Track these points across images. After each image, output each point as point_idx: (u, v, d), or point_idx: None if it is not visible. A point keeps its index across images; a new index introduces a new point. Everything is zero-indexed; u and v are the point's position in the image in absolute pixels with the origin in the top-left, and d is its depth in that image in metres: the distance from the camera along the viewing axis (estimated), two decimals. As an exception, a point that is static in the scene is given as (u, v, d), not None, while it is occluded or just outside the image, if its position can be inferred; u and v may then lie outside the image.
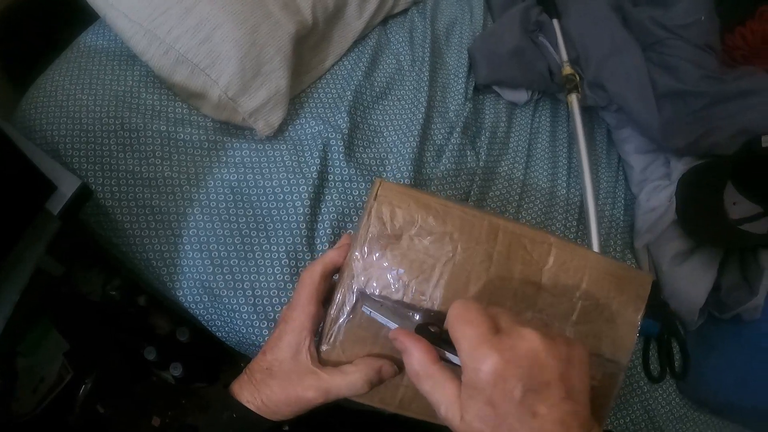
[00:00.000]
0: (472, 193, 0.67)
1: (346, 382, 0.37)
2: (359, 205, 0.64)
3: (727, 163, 0.75)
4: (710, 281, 0.75)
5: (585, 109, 0.84)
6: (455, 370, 0.32)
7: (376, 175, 0.66)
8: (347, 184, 0.64)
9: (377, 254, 0.38)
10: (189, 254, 0.61)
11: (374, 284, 0.38)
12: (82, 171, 0.62)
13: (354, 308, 0.39)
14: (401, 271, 0.38)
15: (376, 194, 0.38)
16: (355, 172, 0.65)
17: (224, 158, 0.65)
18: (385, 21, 0.79)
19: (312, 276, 0.39)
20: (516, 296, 0.40)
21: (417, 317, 0.39)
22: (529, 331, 0.30)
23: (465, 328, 0.31)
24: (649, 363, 0.72)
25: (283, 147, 0.66)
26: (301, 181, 0.64)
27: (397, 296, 0.38)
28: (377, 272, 0.38)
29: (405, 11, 0.81)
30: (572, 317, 0.41)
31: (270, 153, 0.65)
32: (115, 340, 0.86)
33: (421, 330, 0.36)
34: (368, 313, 0.38)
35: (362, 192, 0.64)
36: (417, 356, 0.32)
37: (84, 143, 0.62)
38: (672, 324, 0.74)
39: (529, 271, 0.40)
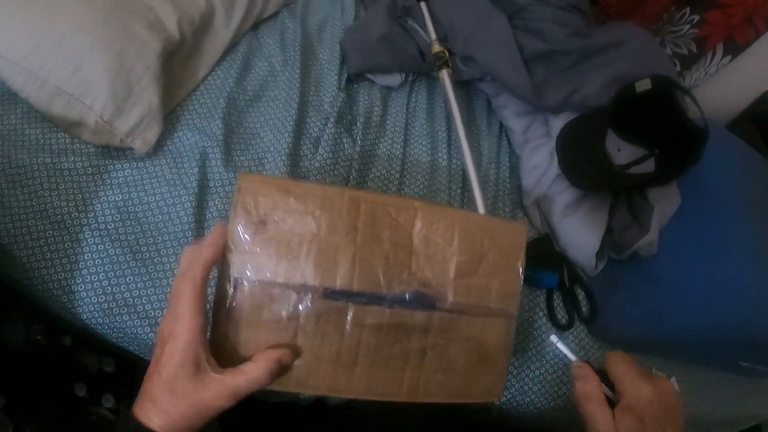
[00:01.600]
0: (351, 177, 0.69)
1: (250, 379, 0.38)
2: None
3: (604, 112, 0.79)
4: (602, 226, 0.77)
5: (462, 83, 0.86)
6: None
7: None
8: (228, 188, 0.66)
9: (248, 242, 0.40)
10: (86, 278, 0.63)
11: (249, 271, 0.40)
12: None
13: (235, 297, 0.40)
14: (271, 253, 0.40)
15: (239, 186, 0.40)
16: (234, 175, 0.66)
17: (108, 181, 0.66)
18: (256, 26, 0.80)
19: (194, 284, 0.38)
20: (389, 261, 0.42)
21: (300, 295, 0.40)
22: (665, 379, 0.44)
23: (627, 368, 0.44)
24: (555, 313, 0.75)
25: (162, 162, 0.67)
26: (182, 192, 0.65)
27: (271, 278, 0.40)
28: (251, 259, 0.40)
29: (276, 14, 0.82)
30: (450, 274, 0.44)
31: (151, 169, 0.67)
32: (46, 384, 0.86)
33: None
34: (555, 342, 0.49)
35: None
36: (594, 384, 0.44)
37: None
38: (573, 272, 0.77)
39: (398, 236, 0.43)
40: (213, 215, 0.65)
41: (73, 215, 0.64)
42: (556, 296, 0.76)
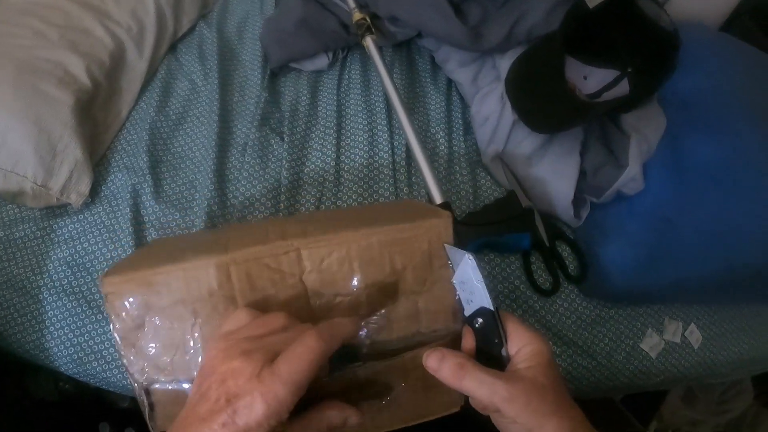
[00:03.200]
0: (283, 177, 0.64)
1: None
2: (179, 232, 0.63)
3: (555, 38, 0.67)
4: (575, 169, 0.66)
5: (401, 45, 0.78)
6: None
7: (188, 201, 0.65)
8: (162, 220, 0.63)
9: (136, 347, 0.36)
10: (54, 334, 0.63)
11: (153, 376, 0.36)
12: None
13: (151, 407, 0.37)
14: (161, 354, 0.36)
15: (104, 293, 0.35)
16: (166, 205, 0.64)
17: (55, 239, 0.66)
18: (174, 47, 0.76)
19: (326, 351, 0.32)
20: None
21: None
22: None
23: (518, 319, 0.38)
24: (534, 278, 0.65)
25: (100, 209, 0.66)
26: (120, 235, 0.63)
27: (172, 377, 0.36)
28: (148, 363, 0.36)
29: (192, 29, 0.78)
30: (361, 310, 0.37)
31: (90, 219, 0.66)
32: (75, 429, 0.90)
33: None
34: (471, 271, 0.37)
35: (178, 221, 0.63)
36: (453, 355, 0.36)
37: None
38: (552, 226, 0.68)
39: (287, 288, 0.36)
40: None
41: (30, 279, 0.65)
42: (534, 258, 0.66)
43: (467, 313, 0.39)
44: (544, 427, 0.34)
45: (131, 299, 0.35)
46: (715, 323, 0.74)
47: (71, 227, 0.66)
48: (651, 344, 0.70)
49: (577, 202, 0.67)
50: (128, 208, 0.64)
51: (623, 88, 0.73)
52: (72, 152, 0.66)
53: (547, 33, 0.68)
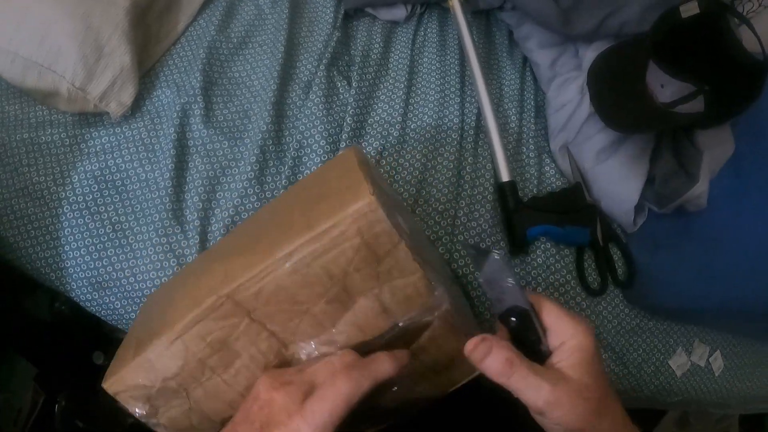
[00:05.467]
0: (346, 123, 0.57)
1: None
2: (225, 165, 0.55)
3: (645, 41, 0.63)
4: (642, 174, 0.62)
5: (480, 13, 0.70)
6: None
7: (239, 130, 0.57)
8: (209, 147, 0.55)
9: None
10: (69, 254, 0.55)
11: None
12: None
13: None
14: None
15: (113, 393, 0.36)
16: (215, 131, 0.56)
17: (85, 150, 0.57)
18: (241, -32, 0.68)
19: (355, 394, 0.30)
20: (256, 360, 0.35)
21: None
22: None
23: (559, 307, 0.34)
24: (585, 275, 0.60)
25: (140, 124, 0.57)
26: (160, 156, 0.55)
27: None
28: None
29: (264, -47, 0.70)
30: (326, 324, 0.34)
31: (128, 133, 0.57)
32: (71, 354, 0.84)
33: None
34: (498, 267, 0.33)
35: (226, 150, 0.56)
36: (506, 348, 0.32)
37: None
38: (607, 228, 0.64)
39: (242, 333, 0.34)
40: (193, 177, 0.55)
41: (51, 190, 0.56)
42: (587, 256, 0.61)
43: (497, 311, 0.35)
44: (586, 429, 0.31)
45: (132, 394, 0.35)
46: (737, 354, 0.71)
47: (105, 140, 0.58)
48: (679, 363, 0.67)
49: (637, 209, 0.63)
50: (173, 128, 0.56)
51: (697, 104, 0.69)
52: (119, 57, 0.58)
53: (638, 32, 0.64)
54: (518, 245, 0.56)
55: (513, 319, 0.34)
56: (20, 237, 0.57)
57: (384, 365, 0.32)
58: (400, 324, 0.35)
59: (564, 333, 0.33)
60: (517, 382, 0.31)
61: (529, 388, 0.31)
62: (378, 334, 0.35)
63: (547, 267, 0.58)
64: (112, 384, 0.36)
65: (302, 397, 0.30)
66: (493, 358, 0.32)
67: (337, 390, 0.30)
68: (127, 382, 0.35)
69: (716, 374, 0.70)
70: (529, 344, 0.34)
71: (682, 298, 0.63)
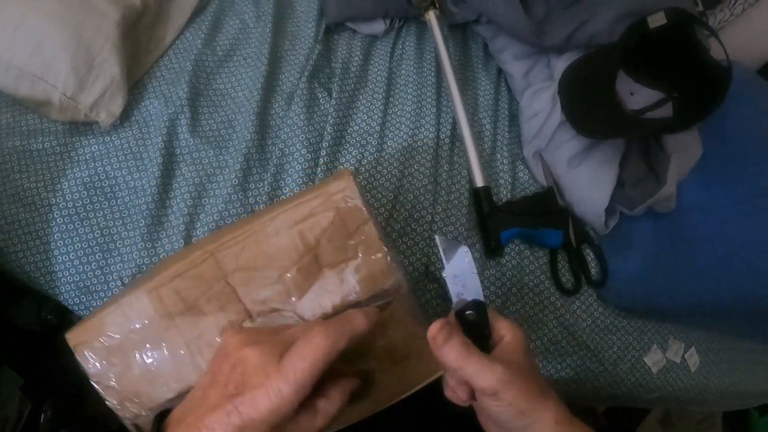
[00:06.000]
0: (326, 133, 0.59)
1: (327, 416, 0.32)
2: (210, 172, 0.57)
3: (614, 50, 0.66)
4: (612, 179, 0.63)
5: (456, 27, 0.74)
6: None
7: (224, 140, 0.60)
8: (195, 155, 0.57)
9: (110, 387, 0.37)
10: (59, 258, 0.56)
11: (132, 409, 0.37)
12: None
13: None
14: (128, 387, 0.37)
15: (72, 347, 0.37)
16: (201, 141, 0.57)
17: (76, 158, 0.59)
18: (228, -16, 0.70)
19: (332, 350, 0.30)
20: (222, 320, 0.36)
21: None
22: None
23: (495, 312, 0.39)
24: (559, 276, 0.62)
25: (129, 133, 0.59)
26: (148, 164, 0.57)
27: (144, 407, 0.37)
28: (123, 398, 0.37)
29: (249, -31, 0.73)
30: (290, 297, 0.36)
31: (117, 142, 0.59)
32: (58, 363, 0.85)
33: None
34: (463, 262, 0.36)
35: (211, 159, 0.57)
36: (461, 337, 0.35)
37: None
38: (580, 230, 0.66)
39: (214, 293, 0.36)
40: (180, 184, 0.56)
41: (42, 196, 0.57)
42: (560, 257, 0.63)
43: (456, 306, 0.37)
44: (535, 409, 0.34)
45: (92, 346, 0.36)
46: (713, 351, 0.73)
47: (95, 148, 0.60)
48: (654, 360, 0.69)
49: (608, 212, 0.65)
50: (160, 138, 0.57)
51: (666, 111, 0.71)
52: (109, 68, 0.59)
53: (607, 43, 0.67)
54: (493, 248, 0.58)
55: (470, 312, 0.37)
56: (11, 242, 0.58)
57: (357, 320, 0.32)
58: (362, 301, 0.37)
59: (502, 328, 0.37)
60: (472, 366, 0.33)
61: (484, 369, 0.33)
62: (340, 311, 0.37)
63: (521, 269, 0.60)
64: (76, 334, 0.37)
65: (278, 356, 0.29)
66: (452, 343, 0.34)
67: (315, 346, 0.29)
68: (94, 331, 0.36)
69: (692, 370, 0.72)
70: (481, 338, 0.37)
71: (654, 298, 0.66)
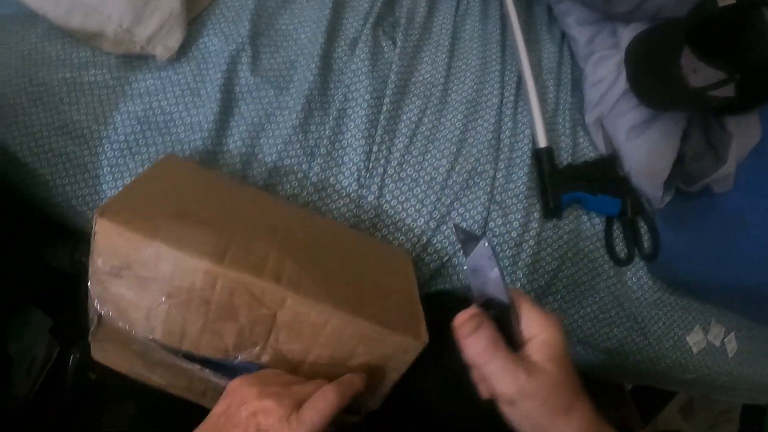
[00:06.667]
0: (390, 81, 0.57)
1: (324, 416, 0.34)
2: (270, 112, 0.55)
3: (680, 26, 0.64)
4: (673, 151, 0.62)
5: None
6: None
7: (285, 80, 0.57)
8: (255, 94, 0.55)
9: (105, 287, 0.36)
10: (107, 193, 0.54)
11: (109, 311, 0.37)
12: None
13: (99, 320, 0.37)
14: (124, 305, 0.36)
15: (95, 230, 0.35)
16: (262, 80, 0.55)
17: (129, 92, 0.56)
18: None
19: (341, 404, 0.34)
20: (243, 333, 0.37)
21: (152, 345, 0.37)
22: None
23: (531, 301, 0.34)
24: (613, 245, 0.60)
25: (186, 69, 0.56)
26: (206, 100, 0.54)
27: (124, 325, 0.37)
28: (109, 301, 0.37)
29: None
30: (308, 359, 0.38)
31: (174, 77, 0.56)
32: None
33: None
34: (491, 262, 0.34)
35: (271, 99, 0.55)
36: (493, 331, 0.32)
37: None
38: (636, 201, 0.65)
39: (258, 315, 0.36)
40: (238, 122, 0.54)
41: (92, 129, 0.55)
42: (616, 227, 0.62)
43: (478, 302, 0.34)
44: (554, 426, 0.31)
45: (119, 248, 0.34)
46: (751, 339, 0.72)
47: (150, 82, 0.58)
48: (696, 340, 0.68)
49: (665, 186, 0.64)
50: (219, 74, 0.55)
51: (727, 91, 0.70)
52: (168, 2, 0.57)
53: (674, 16, 0.65)
54: (552, 209, 0.57)
55: (491, 311, 0.34)
56: (57, 175, 0.56)
57: (357, 382, 0.37)
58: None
59: (535, 327, 0.32)
60: (495, 367, 0.31)
61: (507, 374, 0.31)
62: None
63: (578, 233, 0.59)
64: (106, 226, 0.34)
65: (295, 408, 0.32)
66: (479, 336, 0.31)
67: (328, 400, 0.33)
68: (121, 243, 0.34)
69: (729, 355, 0.71)
70: (505, 336, 0.33)
71: (701, 276, 0.64)
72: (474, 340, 0.31)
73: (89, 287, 0.36)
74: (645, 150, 0.62)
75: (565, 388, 0.31)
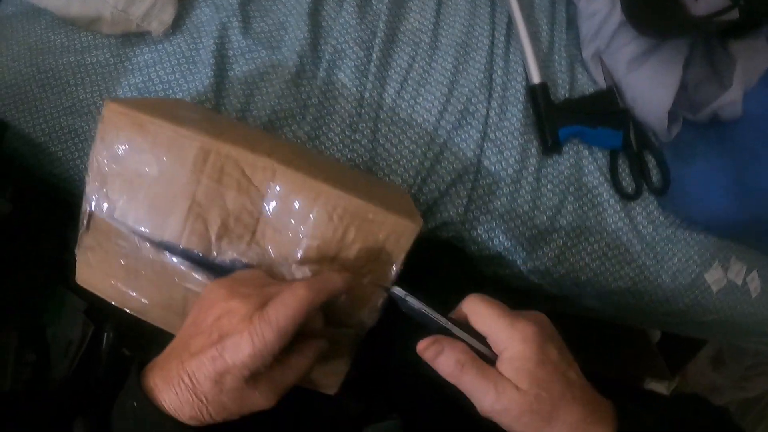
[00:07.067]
0: (379, 31, 0.57)
1: (299, 373, 0.33)
2: (263, 71, 0.56)
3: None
4: (676, 80, 0.60)
5: None
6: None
7: (277, 40, 0.58)
8: (248, 56, 0.56)
9: (101, 176, 0.36)
10: None
11: (100, 205, 0.37)
12: (14, 120, 0.61)
13: (88, 224, 0.38)
14: (116, 191, 0.36)
15: (102, 116, 0.35)
16: (254, 41, 0.57)
17: (129, 67, 0.59)
18: None
19: (313, 302, 0.31)
20: (227, 223, 0.36)
21: (137, 239, 0.37)
22: (535, 311, 0.33)
23: (495, 310, 0.31)
24: (619, 179, 0.59)
25: (180, 39, 0.58)
26: (200, 66, 0.56)
27: (114, 216, 0.37)
28: (102, 194, 0.37)
29: None
30: (295, 256, 0.36)
31: (169, 48, 0.58)
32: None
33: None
34: (414, 306, 0.33)
35: (264, 58, 0.57)
36: (458, 349, 0.31)
37: (10, 96, 0.61)
38: (642, 134, 0.63)
39: (246, 199, 0.35)
40: (233, 83, 0.56)
41: (98, 104, 0.58)
42: (621, 161, 0.60)
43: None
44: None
45: (121, 132, 0.35)
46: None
47: (148, 56, 0.60)
48: (715, 277, 0.66)
49: (671, 117, 0.62)
50: (212, 41, 0.56)
51: (731, 15, 0.68)
52: None
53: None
54: (551, 145, 0.56)
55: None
56: (68, 150, 0.59)
57: (336, 280, 0.33)
58: (337, 317, 0.38)
59: (501, 342, 0.31)
60: (465, 384, 0.31)
61: (477, 391, 0.30)
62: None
63: (579, 168, 0.58)
64: (113, 109, 0.35)
65: (260, 306, 0.30)
66: (442, 359, 0.31)
67: (299, 296, 0.30)
68: (125, 122, 0.35)
69: (753, 295, 0.68)
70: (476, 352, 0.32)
71: (715, 210, 0.62)
72: (440, 364, 0.31)
73: (87, 176, 0.37)
74: (646, 81, 0.61)
75: (540, 403, 0.30)
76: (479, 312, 0.32)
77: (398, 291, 0.34)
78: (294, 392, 0.33)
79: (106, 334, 0.80)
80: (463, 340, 0.32)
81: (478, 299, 0.32)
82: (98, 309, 0.78)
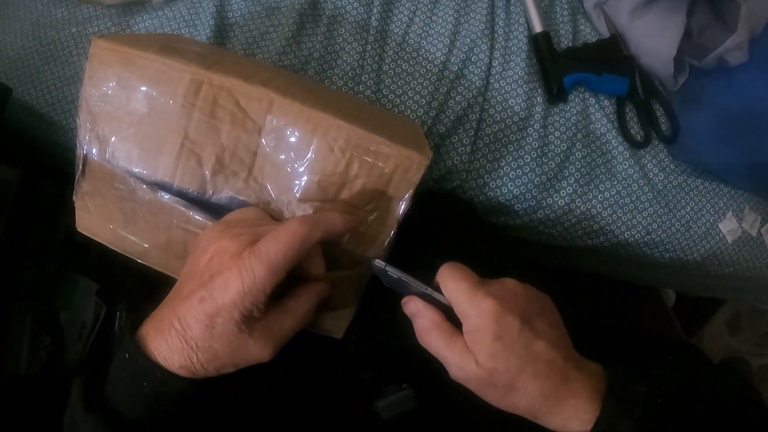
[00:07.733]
0: None
1: (296, 319, 0.30)
2: (263, 30, 0.56)
3: None
4: (680, 25, 0.60)
5: None
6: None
7: (277, 2, 0.59)
8: (248, 17, 0.56)
9: (93, 114, 0.35)
10: None
11: (93, 148, 0.35)
12: (18, 93, 0.62)
13: (83, 169, 0.36)
14: (107, 131, 0.35)
15: (90, 53, 0.34)
16: (253, 3, 0.57)
17: (130, 33, 0.62)
18: None
19: (308, 238, 0.28)
20: (222, 159, 0.34)
21: (132, 179, 0.35)
22: (508, 279, 0.32)
23: (459, 282, 0.31)
24: (627, 127, 0.58)
25: (181, 5, 0.58)
26: (201, 29, 0.56)
27: (106, 158, 0.35)
28: (94, 135, 0.35)
29: None
30: (294, 193, 0.34)
31: (169, 14, 0.58)
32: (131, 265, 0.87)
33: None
34: (394, 276, 0.32)
35: (264, 19, 0.56)
36: (428, 315, 0.31)
37: (14, 70, 0.62)
38: (648, 82, 0.62)
39: (242, 132, 0.33)
40: (233, 44, 0.56)
41: None
42: (628, 109, 0.60)
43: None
44: (502, 402, 0.31)
45: (110, 68, 0.33)
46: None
47: (148, 22, 0.60)
48: (729, 228, 0.65)
49: (677, 65, 0.62)
50: (212, 3, 0.57)
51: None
52: None
53: None
54: (556, 93, 0.56)
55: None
56: (71, 119, 0.60)
57: (335, 219, 0.31)
58: (340, 247, 0.36)
59: (461, 314, 0.31)
60: (433, 351, 0.31)
61: (444, 359, 0.31)
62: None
63: (586, 115, 0.57)
64: (100, 46, 0.33)
65: (251, 243, 0.28)
66: (418, 320, 0.32)
67: (292, 230, 0.28)
68: (113, 58, 0.33)
69: (769, 247, 0.67)
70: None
71: (726, 156, 0.61)
72: (416, 323, 0.32)
73: (78, 126, 0.35)
74: (650, 29, 0.60)
75: (497, 376, 0.29)
76: (445, 282, 0.31)
77: (378, 263, 0.32)
78: (302, 363, 0.33)
79: (118, 313, 0.80)
80: (446, 305, 0.31)
81: (448, 269, 0.31)
82: (111, 290, 0.79)
